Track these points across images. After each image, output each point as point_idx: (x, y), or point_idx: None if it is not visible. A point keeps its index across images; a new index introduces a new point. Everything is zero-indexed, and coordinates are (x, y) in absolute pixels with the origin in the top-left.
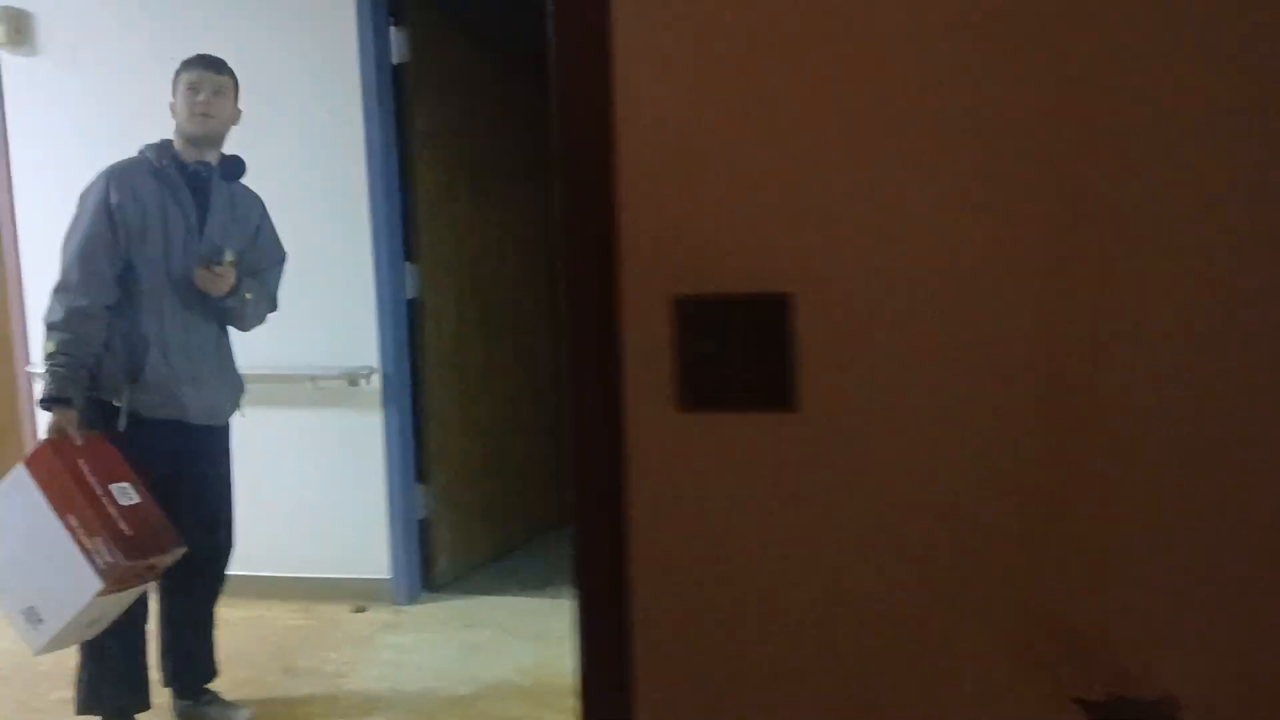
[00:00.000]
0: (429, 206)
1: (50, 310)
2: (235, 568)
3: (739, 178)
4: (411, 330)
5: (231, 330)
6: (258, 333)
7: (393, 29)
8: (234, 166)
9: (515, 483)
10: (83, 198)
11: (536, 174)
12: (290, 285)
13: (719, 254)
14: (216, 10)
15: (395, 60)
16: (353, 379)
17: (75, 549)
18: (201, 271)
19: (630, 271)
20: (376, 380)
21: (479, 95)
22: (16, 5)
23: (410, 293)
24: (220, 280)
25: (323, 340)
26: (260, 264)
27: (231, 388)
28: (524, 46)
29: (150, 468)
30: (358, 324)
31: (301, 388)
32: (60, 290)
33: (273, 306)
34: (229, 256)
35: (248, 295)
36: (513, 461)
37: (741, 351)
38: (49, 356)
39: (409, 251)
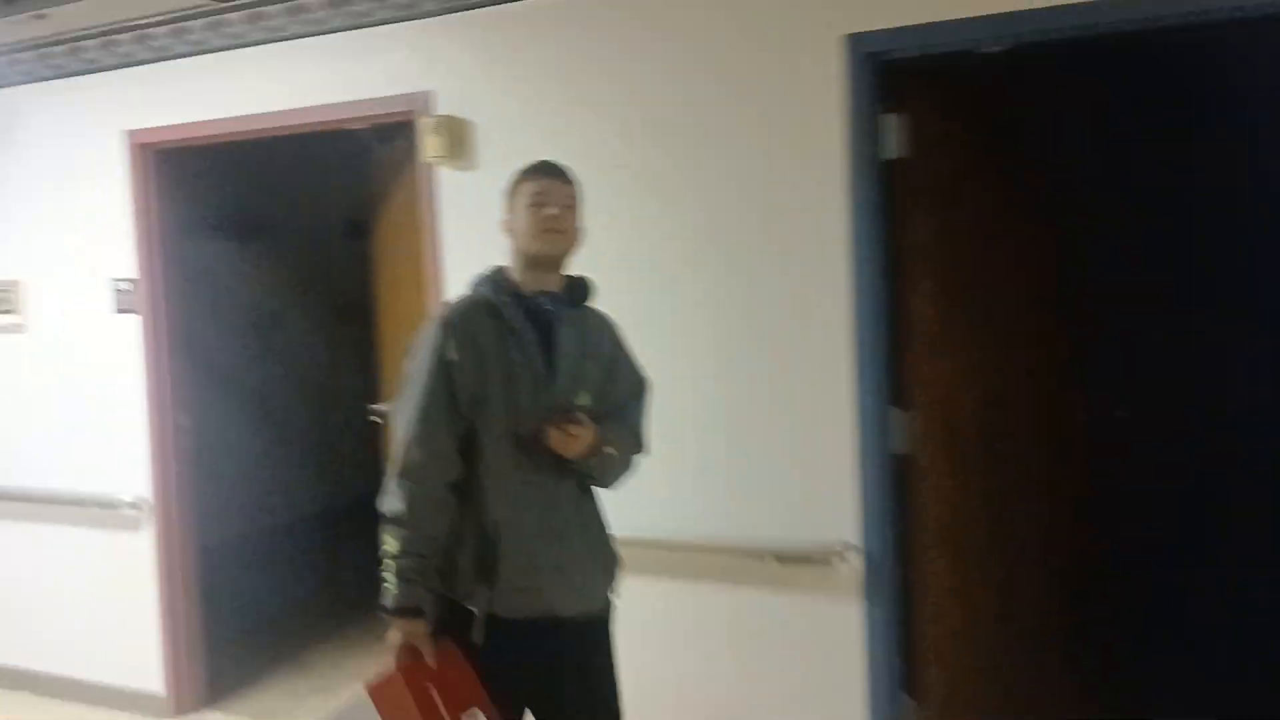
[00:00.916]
0: (924, 338)
1: (388, 499)
2: None
3: None
4: (899, 496)
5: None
6: (700, 494)
7: (886, 117)
8: (580, 290)
9: (1032, 700)
10: (414, 352)
11: (1054, 299)
12: (747, 436)
13: None
14: (664, 114)
15: (887, 155)
16: (825, 557)
17: None
18: (554, 432)
19: None
20: (855, 560)
21: (986, 199)
22: (458, 114)
23: (898, 447)
24: (577, 440)
25: (785, 505)
26: (620, 400)
27: (603, 566)
28: (1041, 139)
29: (519, 680)
30: (831, 486)
31: (757, 565)
32: (400, 474)
33: (639, 449)
34: (584, 400)
35: (609, 450)
36: (1026, 671)
37: None
38: (393, 558)
39: (897, 394)
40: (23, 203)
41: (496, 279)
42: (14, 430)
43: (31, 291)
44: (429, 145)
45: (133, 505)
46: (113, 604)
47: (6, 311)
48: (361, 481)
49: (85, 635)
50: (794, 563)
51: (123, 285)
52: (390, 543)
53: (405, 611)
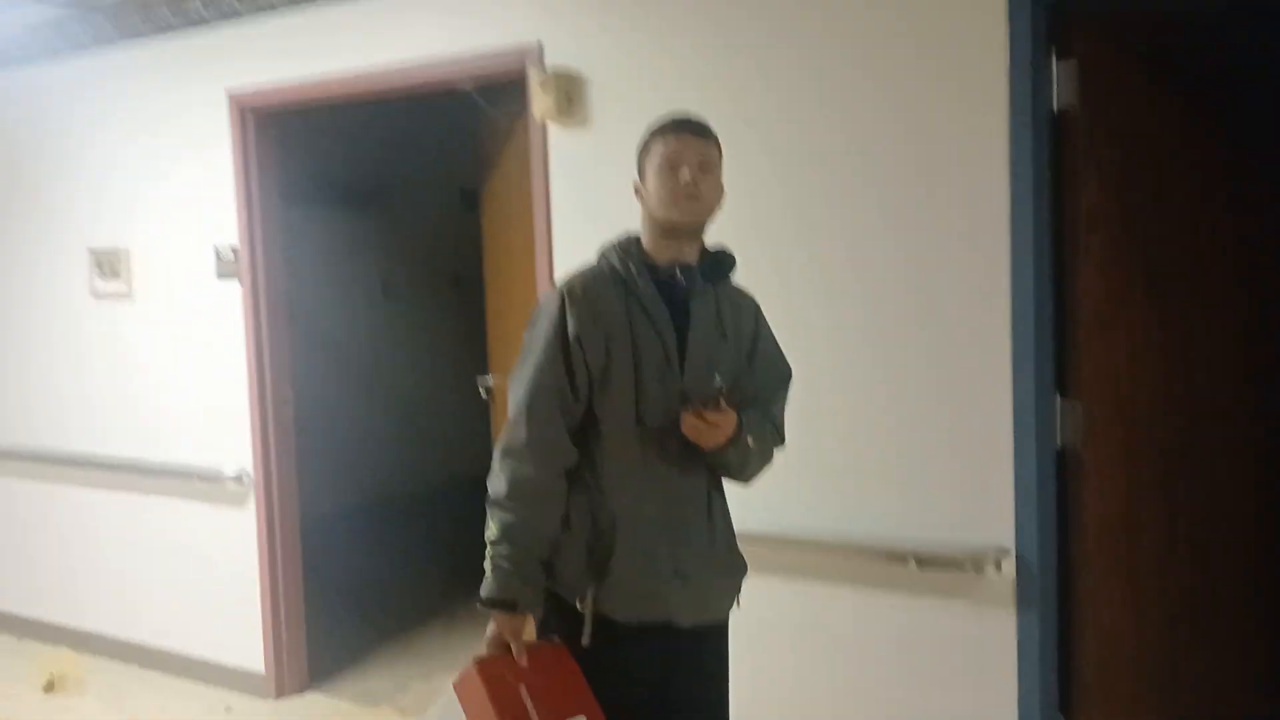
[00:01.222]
0: (1094, 315)
1: (494, 479)
2: None
3: None
4: (1061, 496)
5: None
6: (835, 489)
7: (1054, 64)
8: (720, 263)
9: None
10: (534, 322)
11: (1245, 272)
12: (889, 425)
13: None
14: (804, 60)
15: (1055, 107)
16: (974, 562)
17: None
18: (690, 418)
19: None
20: (1008, 567)
21: (1169, 156)
22: (569, 66)
23: (1061, 439)
24: (716, 430)
25: (930, 503)
26: (759, 389)
27: (729, 574)
28: (1236, 88)
29: (625, 687)
30: (983, 483)
31: (895, 568)
32: (505, 453)
33: (779, 442)
34: (720, 384)
35: (749, 440)
36: (1204, 695)
37: None
38: (491, 543)
39: (1061, 380)
40: (128, 168)
41: (626, 247)
42: (119, 399)
43: (137, 259)
44: (538, 103)
45: (236, 478)
46: (216, 579)
47: (112, 277)
48: (471, 455)
49: (189, 610)
50: (938, 567)
51: (225, 252)
52: (491, 527)
53: (497, 603)
